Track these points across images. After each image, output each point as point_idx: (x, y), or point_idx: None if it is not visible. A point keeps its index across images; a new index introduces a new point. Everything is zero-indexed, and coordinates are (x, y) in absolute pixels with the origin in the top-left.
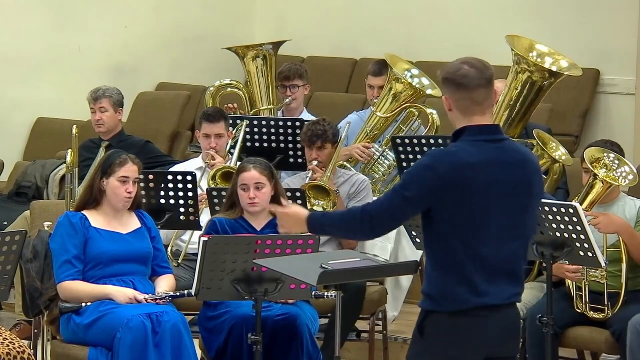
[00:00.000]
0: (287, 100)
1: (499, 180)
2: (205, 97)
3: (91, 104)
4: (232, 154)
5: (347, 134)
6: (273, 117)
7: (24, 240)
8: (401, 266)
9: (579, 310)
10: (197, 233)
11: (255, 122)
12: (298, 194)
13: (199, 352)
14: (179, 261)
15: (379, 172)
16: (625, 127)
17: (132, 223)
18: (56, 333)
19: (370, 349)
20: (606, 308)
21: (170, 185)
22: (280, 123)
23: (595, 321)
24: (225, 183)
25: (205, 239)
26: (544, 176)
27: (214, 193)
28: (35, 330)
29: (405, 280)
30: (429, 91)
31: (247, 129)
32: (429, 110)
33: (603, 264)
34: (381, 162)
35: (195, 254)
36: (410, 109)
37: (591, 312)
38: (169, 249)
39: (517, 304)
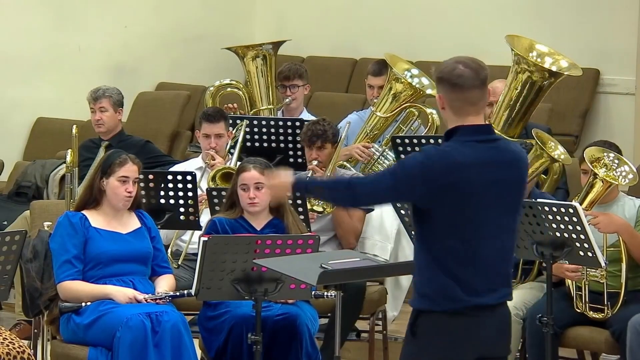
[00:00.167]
0: (287, 100)
1: (492, 181)
2: (205, 97)
3: (91, 104)
4: (232, 154)
5: (347, 134)
6: (273, 117)
7: (24, 240)
8: (401, 266)
9: (579, 310)
10: (197, 233)
11: (255, 122)
12: (298, 194)
13: (199, 352)
14: (179, 262)
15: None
16: (625, 127)
17: (132, 223)
18: (56, 333)
19: (370, 349)
20: (606, 308)
21: (170, 185)
22: (280, 123)
23: (595, 321)
24: (225, 184)
25: (205, 239)
26: (543, 176)
27: (214, 193)
28: (35, 330)
29: (405, 280)
30: (429, 91)
31: (247, 129)
32: (429, 110)
33: (603, 264)
34: (381, 162)
35: (196, 254)
36: (410, 109)
37: (591, 312)
38: (169, 249)
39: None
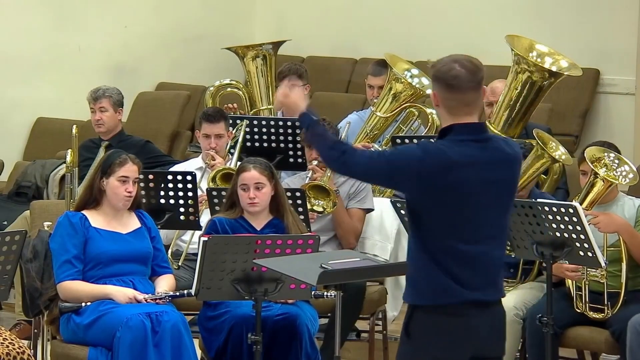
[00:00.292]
0: None
1: (484, 180)
2: (205, 97)
3: (91, 104)
4: (232, 154)
5: (347, 134)
6: (273, 117)
7: (24, 240)
8: (401, 266)
9: (579, 310)
10: (197, 233)
11: (255, 122)
12: (298, 194)
13: (199, 352)
14: (179, 264)
15: None
16: (625, 127)
17: (132, 223)
18: (56, 333)
19: (370, 349)
20: (606, 308)
21: (170, 185)
22: (280, 123)
23: (595, 321)
24: (226, 184)
25: (205, 239)
26: (543, 176)
27: (214, 193)
28: (35, 330)
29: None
30: (428, 91)
31: (247, 129)
32: (429, 110)
33: (603, 264)
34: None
35: (196, 254)
36: (410, 109)
37: (591, 312)
38: (169, 250)
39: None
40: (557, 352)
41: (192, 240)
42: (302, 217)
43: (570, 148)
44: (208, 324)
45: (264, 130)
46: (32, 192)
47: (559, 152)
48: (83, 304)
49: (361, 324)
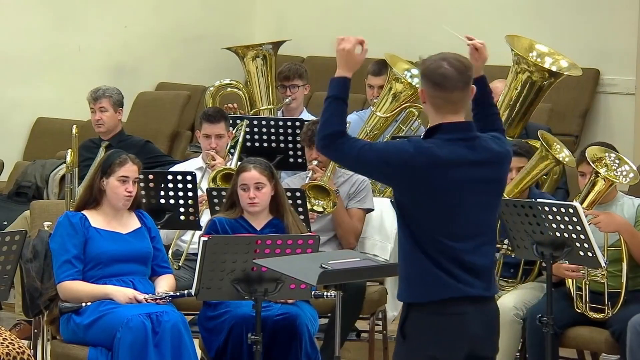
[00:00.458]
0: (287, 100)
1: (471, 179)
2: (205, 97)
3: (91, 104)
4: (232, 154)
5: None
6: (273, 117)
7: (24, 240)
8: None
9: (579, 310)
10: (197, 233)
11: (255, 122)
12: (298, 194)
13: (199, 352)
14: (180, 264)
15: None
16: (625, 127)
17: (132, 223)
18: (56, 333)
19: (370, 349)
20: (606, 308)
21: (170, 185)
22: (280, 123)
23: (595, 321)
24: (226, 184)
25: (205, 239)
26: (544, 176)
27: (214, 193)
28: (35, 330)
29: None
30: None
31: (247, 129)
32: None
33: (603, 264)
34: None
35: (196, 254)
36: (410, 109)
37: (591, 312)
38: (170, 250)
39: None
40: (557, 352)
41: (192, 240)
42: (302, 217)
43: (570, 148)
44: (208, 324)
45: (264, 130)
46: (32, 192)
47: (563, 154)
48: (83, 304)
49: (361, 324)
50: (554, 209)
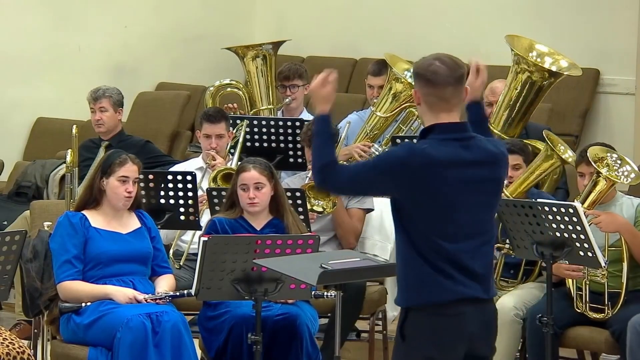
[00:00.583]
0: (287, 100)
1: (467, 179)
2: (205, 97)
3: (91, 104)
4: (232, 154)
5: (347, 134)
6: (273, 117)
7: (24, 240)
8: None
9: (579, 310)
10: (198, 234)
11: (255, 122)
12: (298, 194)
13: (199, 352)
14: (181, 263)
15: None
16: (625, 127)
17: (132, 223)
18: (56, 333)
19: (370, 349)
20: (606, 308)
21: (170, 185)
22: (280, 123)
23: (595, 321)
24: (227, 184)
25: (205, 239)
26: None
27: (214, 193)
28: (35, 330)
29: None
30: None
31: (247, 129)
32: None
33: (603, 264)
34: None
35: (196, 255)
36: (410, 108)
37: (591, 312)
38: (170, 250)
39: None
40: (557, 352)
41: (192, 240)
42: (302, 217)
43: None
44: (208, 324)
45: (264, 130)
46: (32, 192)
47: (567, 154)
48: (83, 304)
49: (361, 324)
50: (554, 209)
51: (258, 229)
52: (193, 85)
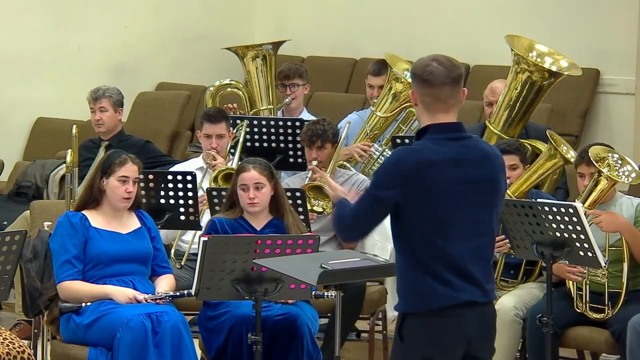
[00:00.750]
0: (287, 100)
1: (463, 178)
2: (205, 97)
3: (91, 104)
4: (232, 154)
5: (347, 133)
6: (273, 117)
7: (24, 240)
8: None
9: (579, 310)
10: (198, 234)
11: (255, 122)
12: (298, 194)
13: (199, 352)
14: (182, 263)
15: None
16: (625, 127)
17: (132, 223)
18: (56, 333)
19: (370, 349)
20: (606, 308)
21: (170, 185)
22: (280, 123)
23: (595, 321)
24: (227, 184)
25: (205, 239)
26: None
27: (214, 193)
28: (35, 330)
29: None
30: None
31: (247, 129)
32: None
33: (603, 264)
34: (381, 162)
35: (196, 254)
36: (410, 109)
37: (591, 312)
38: (172, 250)
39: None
40: (557, 352)
41: (193, 240)
42: (302, 217)
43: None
44: (208, 324)
45: (264, 130)
46: (32, 192)
47: (569, 155)
48: (83, 304)
49: (361, 324)
50: (554, 209)
51: (258, 229)
52: (193, 85)
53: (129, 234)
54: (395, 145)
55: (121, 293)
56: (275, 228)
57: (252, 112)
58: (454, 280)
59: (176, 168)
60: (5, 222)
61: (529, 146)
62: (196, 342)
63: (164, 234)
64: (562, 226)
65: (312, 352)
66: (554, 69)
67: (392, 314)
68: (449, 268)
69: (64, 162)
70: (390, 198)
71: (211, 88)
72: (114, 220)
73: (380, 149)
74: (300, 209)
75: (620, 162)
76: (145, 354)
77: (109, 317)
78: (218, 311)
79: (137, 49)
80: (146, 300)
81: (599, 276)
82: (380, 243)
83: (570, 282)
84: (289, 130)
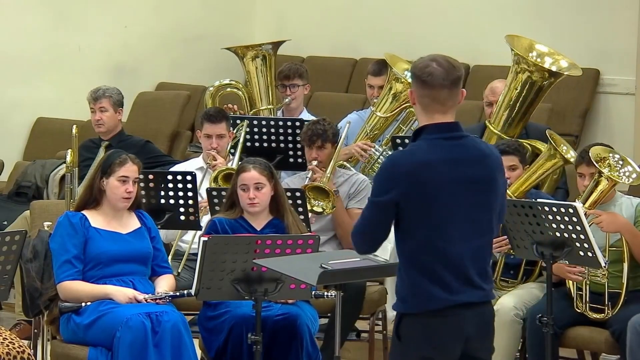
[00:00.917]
0: (287, 100)
1: (459, 178)
2: (205, 97)
3: (91, 104)
4: (233, 154)
5: (347, 133)
6: (273, 117)
7: (24, 240)
8: None
9: (579, 310)
10: (198, 234)
11: (255, 122)
12: (298, 194)
13: (199, 352)
14: (179, 271)
15: None
16: (625, 127)
17: (132, 223)
18: (56, 333)
19: (370, 349)
20: (606, 308)
21: (170, 185)
22: (280, 123)
23: (595, 321)
24: (228, 185)
25: (205, 239)
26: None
27: (214, 193)
28: (35, 330)
29: None
30: None
31: (247, 129)
32: None
33: (603, 264)
34: (381, 162)
35: (196, 255)
36: (410, 109)
37: (591, 312)
38: (170, 252)
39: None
40: (557, 352)
41: (193, 241)
42: (302, 217)
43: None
44: (208, 324)
45: (264, 130)
46: (32, 192)
47: (569, 155)
48: (83, 304)
49: (361, 324)
50: (554, 209)
51: (258, 229)
52: (193, 85)
53: (129, 234)
54: (395, 145)
55: (121, 293)
56: (275, 228)
57: (252, 112)
58: (453, 282)
59: (176, 168)
60: (5, 222)
61: (528, 146)
62: (196, 342)
63: (164, 233)
64: (562, 226)
65: (311, 353)
66: (554, 69)
67: (392, 314)
68: (449, 269)
69: (64, 162)
70: (390, 201)
71: (211, 88)
72: (114, 220)
73: (380, 149)
74: (300, 209)
75: (621, 162)
76: (145, 354)
77: (108, 317)
78: (218, 311)
79: (137, 49)
80: (146, 300)
81: (599, 276)
82: None
83: (570, 282)
84: (289, 130)
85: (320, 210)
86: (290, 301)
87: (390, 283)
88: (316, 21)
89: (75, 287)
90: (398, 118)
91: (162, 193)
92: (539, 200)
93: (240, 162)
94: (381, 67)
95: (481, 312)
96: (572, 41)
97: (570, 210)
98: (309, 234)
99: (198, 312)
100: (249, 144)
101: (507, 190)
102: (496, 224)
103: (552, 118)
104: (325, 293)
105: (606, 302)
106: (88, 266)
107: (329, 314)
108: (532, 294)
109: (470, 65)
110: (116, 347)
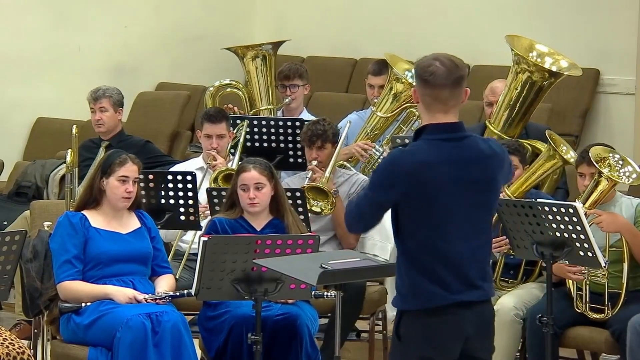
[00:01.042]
0: (287, 100)
1: (458, 179)
2: (205, 97)
3: (91, 104)
4: (233, 154)
5: (347, 133)
6: (273, 117)
7: (24, 240)
8: None
9: (579, 310)
10: (198, 234)
11: (255, 122)
12: (298, 194)
13: (199, 352)
14: (178, 275)
15: None
16: (625, 127)
17: (132, 223)
18: (56, 333)
19: (370, 349)
20: (606, 308)
21: (170, 185)
22: (280, 123)
23: (595, 321)
24: (228, 185)
25: (205, 239)
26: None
27: (214, 193)
28: (35, 330)
29: None
30: None
31: (247, 129)
32: None
33: (603, 264)
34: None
35: (196, 254)
36: (411, 109)
37: (591, 312)
38: (171, 252)
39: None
40: (557, 352)
41: (193, 241)
42: (302, 217)
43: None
44: (208, 324)
45: (264, 130)
46: (32, 192)
47: (569, 155)
48: (83, 304)
49: (361, 324)
50: (554, 209)
51: (258, 229)
52: (193, 85)
53: (129, 234)
54: (395, 145)
55: (121, 293)
56: (275, 228)
57: (252, 112)
58: (452, 281)
59: (176, 168)
60: (5, 222)
61: (528, 146)
62: (196, 342)
63: (164, 233)
64: (562, 226)
65: (310, 353)
66: (554, 69)
67: (392, 313)
68: (448, 268)
69: (64, 162)
70: (388, 200)
71: (211, 88)
72: (114, 220)
73: (381, 149)
74: (300, 209)
75: (621, 162)
76: (145, 354)
77: (108, 317)
78: (218, 311)
79: (137, 49)
80: (146, 300)
81: (599, 276)
82: (380, 243)
83: (570, 282)
84: (289, 130)
85: (318, 210)
86: (290, 301)
87: (390, 283)
88: (316, 21)
89: (75, 287)
90: (398, 118)
91: (162, 193)
92: (539, 200)
93: (240, 162)
94: (381, 67)
95: (481, 311)
96: (572, 41)
97: (571, 210)
98: (309, 234)
99: (198, 312)
100: (249, 144)
101: (507, 190)
102: (493, 222)
103: (552, 118)
104: (325, 293)
105: (606, 302)
106: (88, 266)
107: (329, 314)
108: (532, 294)
109: (471, 65)
110: (116, 347)
